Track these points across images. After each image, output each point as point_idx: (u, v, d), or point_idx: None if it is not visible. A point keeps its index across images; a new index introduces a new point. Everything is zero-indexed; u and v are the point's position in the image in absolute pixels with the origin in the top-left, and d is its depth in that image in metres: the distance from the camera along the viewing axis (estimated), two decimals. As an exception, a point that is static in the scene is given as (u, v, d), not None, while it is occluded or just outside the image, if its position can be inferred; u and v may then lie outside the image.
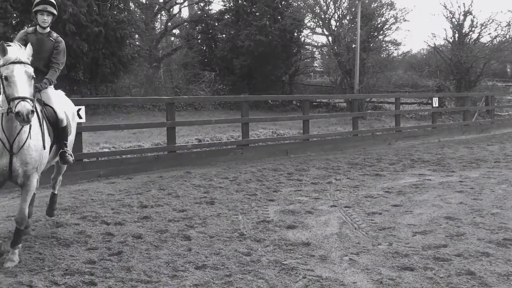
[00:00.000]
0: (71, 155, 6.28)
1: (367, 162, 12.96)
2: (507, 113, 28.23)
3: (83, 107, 10.64)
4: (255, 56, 30.50)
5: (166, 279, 5.06)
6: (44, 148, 5.68)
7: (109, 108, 24.32)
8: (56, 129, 6.10)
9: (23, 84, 4.97)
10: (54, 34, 6.46)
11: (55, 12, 6.37)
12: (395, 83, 33.33)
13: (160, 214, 7.61)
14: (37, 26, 6.21)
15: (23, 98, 4.88)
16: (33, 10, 6.33)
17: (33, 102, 5.03)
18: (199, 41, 34.55)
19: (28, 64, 5.14)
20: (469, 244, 6.16)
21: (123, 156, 11.70)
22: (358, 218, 7.43)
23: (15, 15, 22.18)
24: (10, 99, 4.94)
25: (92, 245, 6.12)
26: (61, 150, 6.20)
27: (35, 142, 5.49)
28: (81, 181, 10.16)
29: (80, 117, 10.50)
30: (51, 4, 6.33)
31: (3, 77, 5.01)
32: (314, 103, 30.80)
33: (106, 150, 12.80)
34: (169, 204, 8.22)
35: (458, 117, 25.51)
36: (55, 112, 6.10)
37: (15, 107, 4.84)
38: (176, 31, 38.00)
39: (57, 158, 6.42)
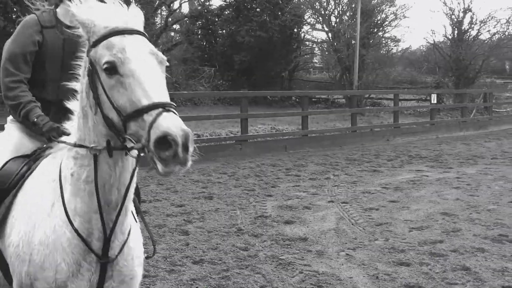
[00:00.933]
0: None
1: (365, 158, 13.02)
2: (505, 110, 28.29)
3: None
4: (255, 51, 30.49)
5: (164, 274, 5.10)
6: None
7: (109, 103, 24.30)
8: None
9: (157, 78, 2.22)
10: None
11: None
12: (394, 79, 33.44)
13: (159, 208, 7.64)
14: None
15: (166, 106, 2.10)
16: None
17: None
18: (199, 36, 34.51)
19: (147, 37, 2.38)
20: (465, 240, 6.21)
21: (122, 151, 11.73)
22: (355, 213, 7.47)
23: (15, 9, 22.21)
24: (131, 113, 2.11)
25: (91, 239, 6.15)
26: None
27: (139, 235, 2.76)
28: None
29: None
30: None
31: (103, 67, 2.19)
32: (313, 99, 30.76)
33: (105, 145, 12.81)
34: (168, 199, 8.26)
35: (456, 113, 25.57)
36: None
37: (153, 127, 2.02)
38: (176, 27, 37.98)
39: None
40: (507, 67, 39.81)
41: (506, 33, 32.97)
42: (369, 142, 16.19)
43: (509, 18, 33.33)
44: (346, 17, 31.50)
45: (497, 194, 8.71)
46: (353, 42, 28.58)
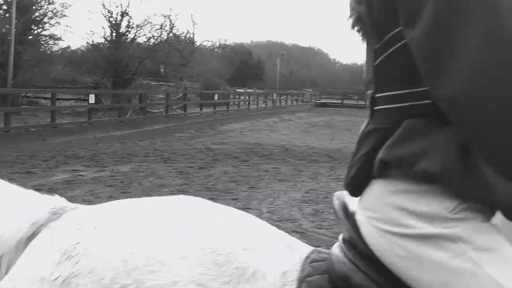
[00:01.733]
0: None
1: (19, 159, 11.75)
2: (158, 110, 28.99)
3: None
4: None
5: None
6: None
7: None
8: None
9: None
10: None
11: None
12: (54, 78, 31.01)
13: None
14: None
15: None
16: None
17: None
18: None
19: None
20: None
21: None
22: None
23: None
24: None
25: None
26: None
27: None
28: None
29: None
30: None
31: None
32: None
33: None
34: None
35: (114, 113, 25.07)
36: None
37: None
38: None
39: None
40: (162, 70, 40.35)
41: (160, 38, 35.24)
42: (24, 142, 14.57)
43: (162, 24, 35.30)
44: (2, 11, 28.67)
45: (147, 190, 8.82)
46: (8, 37, 24.78)
